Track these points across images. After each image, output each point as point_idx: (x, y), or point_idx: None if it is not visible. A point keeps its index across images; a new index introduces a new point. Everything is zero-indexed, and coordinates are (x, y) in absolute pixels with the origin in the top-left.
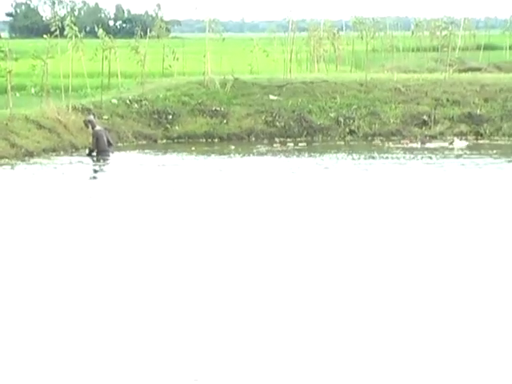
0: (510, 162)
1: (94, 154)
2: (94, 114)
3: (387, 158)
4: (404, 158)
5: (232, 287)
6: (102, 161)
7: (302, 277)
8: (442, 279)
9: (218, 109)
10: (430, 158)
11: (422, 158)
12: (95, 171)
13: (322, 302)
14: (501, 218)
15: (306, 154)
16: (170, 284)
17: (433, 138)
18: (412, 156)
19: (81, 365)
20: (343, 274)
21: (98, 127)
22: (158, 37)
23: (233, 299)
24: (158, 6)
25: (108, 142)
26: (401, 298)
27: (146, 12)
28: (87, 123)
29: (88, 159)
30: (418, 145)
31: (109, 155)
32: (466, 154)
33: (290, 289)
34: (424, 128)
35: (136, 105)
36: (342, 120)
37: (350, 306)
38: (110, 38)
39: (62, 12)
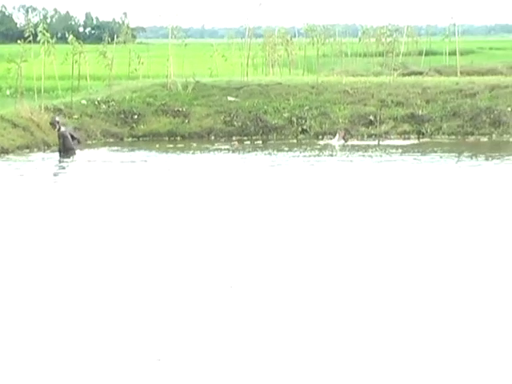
0: (448, 157)
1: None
2: (59, 116)
3: (334, 155)
4: (355, 154)
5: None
6: (68, 158)
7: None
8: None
9: (180, 109)
10: (374, 155)
11: (371, 155)
12: (62, 167)
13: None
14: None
15: (261, 152)
16: (137, 276)
17: (378, 136)
18: (360, 153)
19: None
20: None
21: (62, 128)
22: (125, 42)
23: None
24: (125, 13)
25: (77, 140)
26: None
27: (114, 19)
28: (55, 124)
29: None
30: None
31: (75, 153)
32: (409, 151)
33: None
34: (370, 127)
35: (104, 105)
36: (295, 120)
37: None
38: (79, 43)
39: (34, 19)
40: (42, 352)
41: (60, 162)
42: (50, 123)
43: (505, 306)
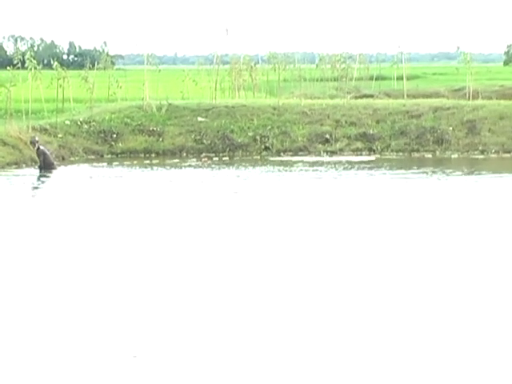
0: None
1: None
2: (37, 136)
3: (292, 170)
4: (309, 169)
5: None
6: (50, 173)
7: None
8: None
9: (155, 129)
10: (332, 170)
11: (327, 169)
12: (43, 182)
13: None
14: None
15: (228, 167)
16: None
17: (333, 153)
18: (319, 167)
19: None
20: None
21: (41, 147)
22: (105, 68)
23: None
24: (105, 42)
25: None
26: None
27: (95, 48)
28: (34, 143)
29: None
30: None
31: (55, 168)
32: (362, 166)
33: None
34: (326, 145)
35: (86, 125)
36: (259, 138)
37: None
38: (63, 69)
39: (23, 48)
40: (17, 349)
41: (43, 176)
42: (30, 142)
43: (495, 304)
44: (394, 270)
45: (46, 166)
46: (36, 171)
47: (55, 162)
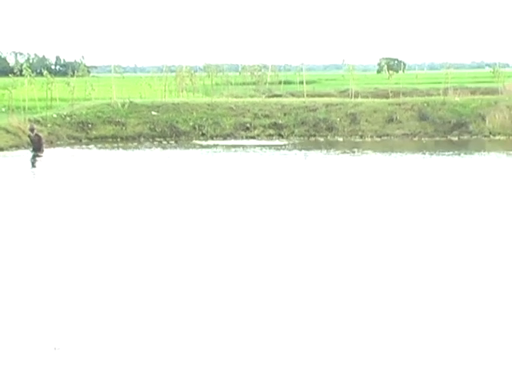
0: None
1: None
2: (34, 125)
3: (222, 150)
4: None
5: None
6: (41, 153)
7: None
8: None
9: (120, 120)
10: (252, 151)
11: (250, 151)
12: (38, 161)
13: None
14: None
15: (175, 149)
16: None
17: (252, 138)
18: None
19: None
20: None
21: (38, 133)
22: (82, 76)
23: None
24: (83, 56)
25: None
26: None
27: (75, 60)
28: (33, 129)
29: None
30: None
31: (43, 151)
32: (275, 147)
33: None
34: (247, 132)
35: (68, 118)
36: (197, 127)
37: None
38: (51, 76)
39: (21, 60)
40: None
41: (36, 156)
42: (29, 129)
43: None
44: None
45: (38, 149)
46: (29, 153)
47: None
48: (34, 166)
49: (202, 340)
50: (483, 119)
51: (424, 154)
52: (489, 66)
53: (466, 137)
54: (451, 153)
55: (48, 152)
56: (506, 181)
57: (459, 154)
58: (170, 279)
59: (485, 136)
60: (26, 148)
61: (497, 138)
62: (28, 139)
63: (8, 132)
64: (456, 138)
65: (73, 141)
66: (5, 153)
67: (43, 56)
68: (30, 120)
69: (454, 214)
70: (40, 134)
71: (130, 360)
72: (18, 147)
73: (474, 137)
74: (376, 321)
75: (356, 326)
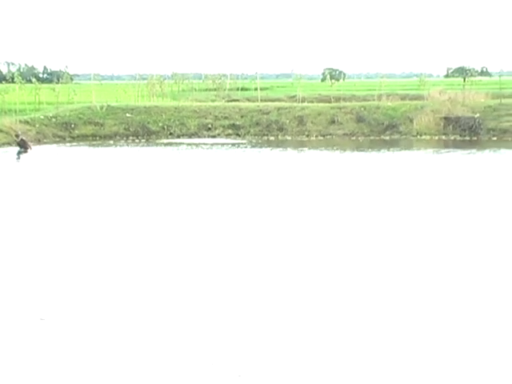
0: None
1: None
2: (20, 132)
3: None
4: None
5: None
6: (25, 150)
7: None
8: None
9: (99, 121)
10: (215, 148)
11: (211, 147)
12: (22, 157)
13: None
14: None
15: (146, 146)
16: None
17: (214, 137)
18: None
19: None
20: None
21: (22, 137)
22: (66, 83)
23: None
24: (66, 66)
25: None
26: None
27: (60, 69)
28: (18, 135)
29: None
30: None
31: (31, 148)
32: (236, 144)
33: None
34: (209, 131)
35: (54, 119)
36: (166, 127)
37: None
38: (39, 83)
39: (13, 69)
40: None
41: (22, 152)
42: (15, 135)
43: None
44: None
45: (25, 149)
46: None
47: (30, 144)
48: (18, 160)
49: (190, 319)
50: (411, 121)
51: (360, 151)
52: (416, 75)
53: (396, 136)
54: (384, 150)
55: (35, 149)
56: (430, 171)
57: (391, 151)
58: (138, 256)
59: (413, 136)
60: (15, 146)
61: (423, 137)
62: (15, 143)
63: (1, 131)
64: (388, 138)
65: (58, 139)
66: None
67: (32, 65)
68: (20, 121)
69: (386, 203)
70: (24, 138)
71: (115, 331)
72: (9, 144)
73: (404, 136)
74: (368, 316)
75: (354, 323)
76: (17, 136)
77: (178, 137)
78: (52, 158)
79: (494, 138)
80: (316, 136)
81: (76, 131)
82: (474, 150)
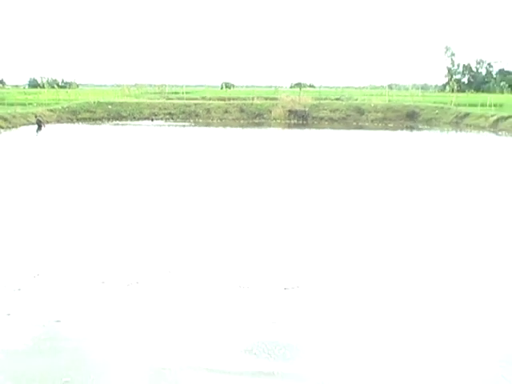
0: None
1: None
2: (40, 116)
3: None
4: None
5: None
6: (40, 131)
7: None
8: None
9: (93, 110)
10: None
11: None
12: (40, 132)
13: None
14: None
15: (121, 126)
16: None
17: (159, 120)
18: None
19: None
20: None
21: (40, 119)
22: (74, 88)
23: None
24: (75, 79)
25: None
26: None
27: (71, 80)
28: (37, 118)
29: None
30: None
31: (45, 126)
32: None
33: None
34: (156, 116)
35: (67, 109)
36: (131, 114)
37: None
38: (59, 88)
39: (44, 80)
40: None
41: (39, 129)
42: (36, 118)
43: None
44: None
45: (40, 127)
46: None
47: (44, 123)
48: (37, 131)
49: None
50: (270, 112)
51: (242, 128)
52: (274, 86)
53: (262, 121)
54: (255, 128)
55: (51, 126)
56: (280, 142)
57: (258, 129)
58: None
59: (271, 120)
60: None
61: (277, 121)
62: (36, 121)
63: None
64: (257, 121)
65: (69, 120)
66: (29, 127)
67: (55, 79)
68: (36, 116)
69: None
70: (40, 119)
71: (108, 286)
72: (33, 124)
73: (266, 121)
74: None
75: (353, 316)
76: (36, 118)
77: (138, 120)
78: (62, 132)
79: (316, 123)
80: (217, 120)
81: (79, 116)
82: (306, 130)
